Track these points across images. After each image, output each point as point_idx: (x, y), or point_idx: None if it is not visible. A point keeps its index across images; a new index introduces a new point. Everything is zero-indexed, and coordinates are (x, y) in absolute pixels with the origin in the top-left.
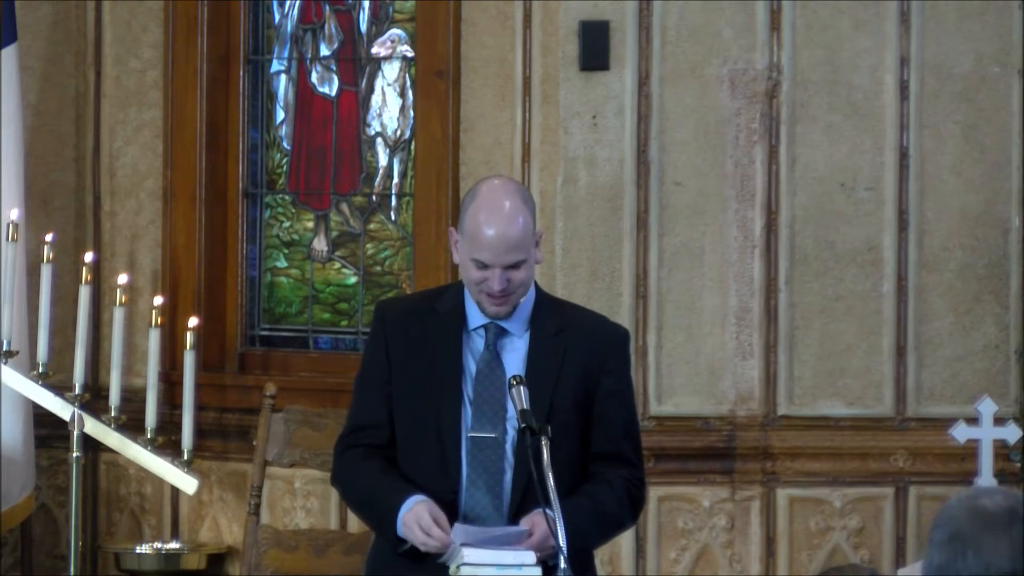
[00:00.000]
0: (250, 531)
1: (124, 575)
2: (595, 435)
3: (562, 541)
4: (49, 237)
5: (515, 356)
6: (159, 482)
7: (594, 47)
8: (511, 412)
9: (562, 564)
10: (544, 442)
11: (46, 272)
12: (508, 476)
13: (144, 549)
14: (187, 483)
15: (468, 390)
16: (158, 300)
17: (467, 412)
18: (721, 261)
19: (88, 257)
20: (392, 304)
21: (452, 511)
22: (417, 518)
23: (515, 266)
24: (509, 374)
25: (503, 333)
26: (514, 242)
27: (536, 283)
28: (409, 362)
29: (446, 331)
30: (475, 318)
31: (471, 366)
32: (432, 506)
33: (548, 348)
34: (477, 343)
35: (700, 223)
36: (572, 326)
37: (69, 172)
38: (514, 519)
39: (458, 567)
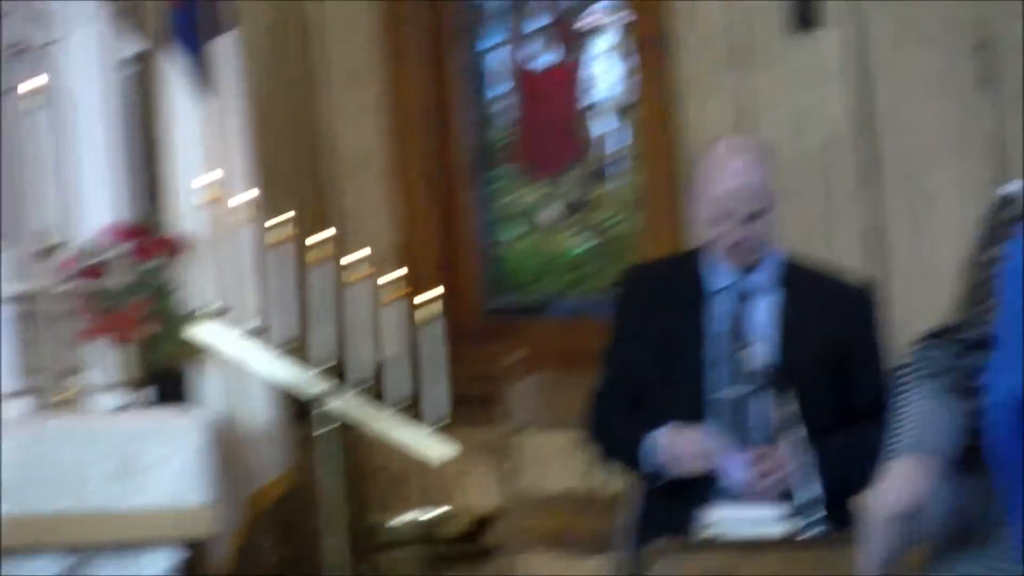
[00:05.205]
0: (505, 497)
1: (385, 546)
2: (851, 394)
3: (806, 484)
4: (285, 217)
5: (764, 316)
6: (410, 454)
7: (810, 6)
8: (754, 372)
9: (804, 500)
10: (790, 398)
11: (286, 252)
12: (755, 436)
13: (402, 520)
14: (438, 453)
15: (711, 352)
16: (396, 274)
17: (710, 374)
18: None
19: (325, 235)
20: (637, 271)
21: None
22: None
23: (755, 216)
24: (757, 334)
25: (749, 295)
26: (753, 191)
27: (783, 244)
28: (653, 327)
29: (689, 295)
30: (720, 279)
31: (713, 328)
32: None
33: (799, 308)
34: (721, 305)
35: (929, 176)
36: (822, 286)
37: (303, 154)
38: None
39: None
